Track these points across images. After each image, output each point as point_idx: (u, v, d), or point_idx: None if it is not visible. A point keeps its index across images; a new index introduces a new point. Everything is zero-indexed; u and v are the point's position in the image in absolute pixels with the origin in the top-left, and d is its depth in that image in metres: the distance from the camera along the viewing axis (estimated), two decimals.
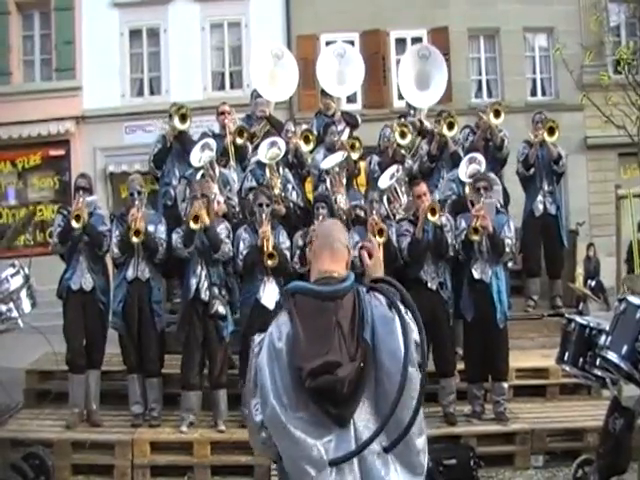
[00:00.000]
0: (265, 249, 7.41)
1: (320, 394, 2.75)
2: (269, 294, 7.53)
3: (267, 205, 7.71)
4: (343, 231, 3.31)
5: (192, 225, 7.42)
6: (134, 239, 7.50)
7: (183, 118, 8.83)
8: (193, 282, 7.52)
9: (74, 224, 7.51)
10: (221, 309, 7.51)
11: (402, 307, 2.90)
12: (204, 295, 7.48)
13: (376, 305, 2.93)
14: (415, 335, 2.91)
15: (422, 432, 2.90)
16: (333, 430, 2.78)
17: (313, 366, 2.73)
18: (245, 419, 7.41)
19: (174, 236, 7.65)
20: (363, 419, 2.82)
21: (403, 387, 2.73)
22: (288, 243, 7.77)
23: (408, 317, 2.89)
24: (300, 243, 7.83)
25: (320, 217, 7.81)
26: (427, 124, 9.74)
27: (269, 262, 7.42)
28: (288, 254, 7.70)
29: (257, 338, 3.01)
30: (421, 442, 2.88)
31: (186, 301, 7.60)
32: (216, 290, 7.53)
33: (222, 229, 7.65)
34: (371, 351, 2.83)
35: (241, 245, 7.65)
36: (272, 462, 7.03)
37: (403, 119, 9.89)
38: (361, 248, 3.33)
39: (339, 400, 2.76)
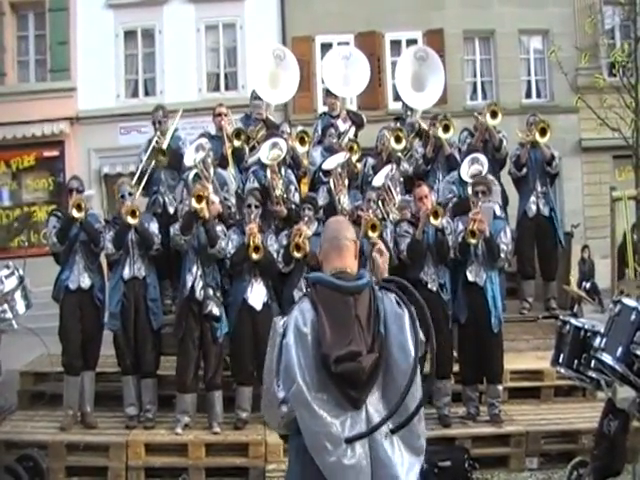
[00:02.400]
0: (251, 243, 7.43)
1: (343, 378, 3.08)
2: (256, 295, 7.58)
3: (256, 206, 7.76)
4: (349, 227, 3.58)
5: (194, 203, 7.42)
6: (75, 213, 7.48)
7: (163, 154, 8.84)
8: (189, 280, 7.51)
9: (75, 213, 7.49)
10: (215, 310, 7.50)
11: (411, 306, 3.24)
12: (199, 294, 7.48)
13: (388, 302, 3.26)
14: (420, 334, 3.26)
15: (422, 419, 3.23)
16: (349, 411, 3.11)
17: (339, 354, 3.07)
18: (238, 419, 7.49)
19: (172, 229, 7.69)
20: (374, 403, 3.15)
21: (413, 378, 3.08)
22: (276, 247, 7.81)
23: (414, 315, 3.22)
24: (284, 242, 7.84)
25: (305, 218, 7.86)
26: (424, 126, 9.74)
27: (254, 255, 7.43)
28: (275, 255, 7.73)
29: (279, 321, 3.28)
30: (422, 427, 3.23)
31: (182, 299, 7.60)
32: (210, 291, 7.53)
33: (220, 228, 7.68)
34: (384, 342, 3.18)
35: (229, 245, 7.68)
36: (267, 463, 7.11)
37: (399, 121, 9.90)
38: (375, 250, 3.59)
39: (358, 385, 3.10)
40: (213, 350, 7.56)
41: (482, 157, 8.62)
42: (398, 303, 3.25)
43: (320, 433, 3.06)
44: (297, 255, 7.59)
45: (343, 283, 3.23)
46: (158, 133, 8.97)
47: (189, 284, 7.51)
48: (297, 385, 3.06)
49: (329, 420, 3.06)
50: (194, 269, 7.54)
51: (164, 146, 8.84)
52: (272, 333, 3.26)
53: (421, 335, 3.24)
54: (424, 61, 10.32)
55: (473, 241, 7.47)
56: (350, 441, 3.05)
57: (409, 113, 10.04)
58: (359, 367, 3.07)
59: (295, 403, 3.09)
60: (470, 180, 8.37)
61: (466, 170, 8.54)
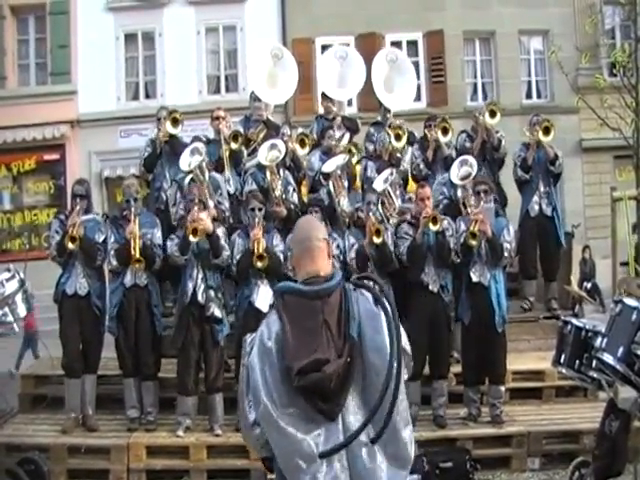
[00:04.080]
0: (255, 251, 7.40)
1: (309, 390, 2.86)
2: (263, 297, 7.50)
3: (259, 209, 7.72)
4: (319, 226, 3.40)
5: (191, 238, 7.37)
6: (70, 245, 7.42)
7: (175, 122, 8.78)
8: (190, 285, 7.49)
9: (70, 245, 7.45)
10: (217, 312, 7.49)
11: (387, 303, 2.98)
12: (201, 298, 7.45)
13: (362, 301, 3.03)
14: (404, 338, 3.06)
15: (408, 423, 2.98)
16: (322, 424, 2.89)
17: (301, 365, 2.84)
18: (239, 419, 7.48)
19: (169, 243, 7.63)
20: (351, 412, 2.92)
21: (389, 380, 2.83)
22: (282, 246, 7.75)
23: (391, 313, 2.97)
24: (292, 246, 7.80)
25: None
26: (397, 123, 9.61)
27: (259, 264, 7.39)
28: (281, 257, 7.68)
29: (249, 338, 3.12)
30: (407, 433, 2.97)
31: (183, 305, 7.56)
32: (212, 293, 7.51)
33: (220, 234, 7.64)
34: (358, 346, 2.94)
35: (235, 250, 7.65)
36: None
37: (376, 126, 9.88)
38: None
39: (327, 395, 2.87)
40: (214, 353, 7.55)
41: (471, 159, 8.60)
42: (375, 301, 3.01)
43: (292, 452, 2.87)
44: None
45: (309, 288, 3.02)
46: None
47: (190, 290, 7.47)
48: (263, 405, 2.88)
49: (299, 437, 2.85)
50: (194, 273, 7.51)
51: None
52: (242, 353, 3.14)
53: (404, 338, 3.05)
54: (394, 63, 10.29)
55: (474, 243, 7.46)
56: (325, 455, 2.84)
57: (387, 115, 9.95)
58: (323, 376, 2.84)
59: (264, 424, 2.93)
60: (460, 182, 8.39)
61: (456, 172, 8.52)
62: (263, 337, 2.98)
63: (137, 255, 7.43)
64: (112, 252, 7.67)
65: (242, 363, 3.14)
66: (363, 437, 2.88)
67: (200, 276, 7.51)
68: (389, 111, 9.89)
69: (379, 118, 10.11)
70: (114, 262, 7.68)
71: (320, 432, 2.88)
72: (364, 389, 2.94)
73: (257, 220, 7.63)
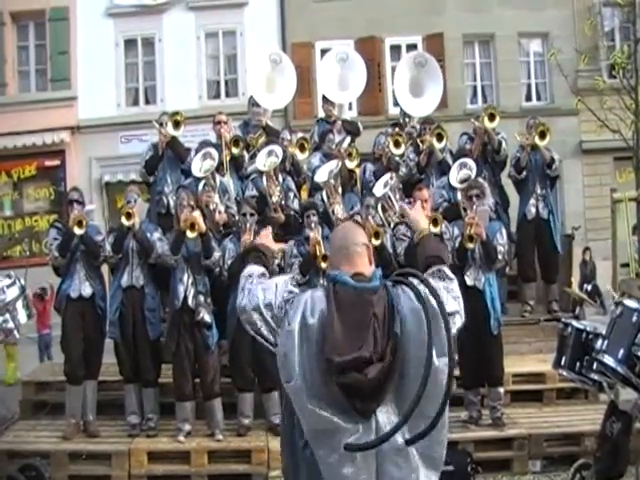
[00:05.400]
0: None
1: (347, 389, 2.76)
2: None
3: (251, 215, 7.70)
4: (358, 231, 3.24)
5: (189, 234, 7.39)
6: (77, 230, 7.43)
7: (177, 124, 8.83)
8: (181, 289, 7.46)
9: (76, 230, 7.45)
10: (207, 317, 7.45)
11: (431, 298, 2.88)
12: (191, 303, 7.43)
13: (406, 299, 2.94)
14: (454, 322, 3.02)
15: (445, 425, 2.91)
16: (355, 419, 2.80)
17: (343, 360, 2.74)
18: (241, 426, 7.46)
19: (159, 244, 7.64)
20: (385, 412, 2.84)
21: (427, 378, 2.71)
22: None
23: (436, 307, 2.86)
24: (295, 252, 7.80)
25: (312, 224, 7.82)
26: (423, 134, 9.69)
27: None
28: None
29: (291, 287, 3.10)
30: (444, 435, 2.92)
31: (174, 310, 7.53)
32: (202, 298, 7.49)
33: (210, 234, 7.63)
34: (401, 344, 2.85)
35: (226, 255, 7.66)
36: (270, 470, 7.09)
37: (397, 127, 9.89)
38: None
39: (364, 396, 2.78)
40: (207, 359, 7.52)
41: (470, 161, 8.62)
42: (417, 297, 2.89)
43: (323, 430, 2.80)
44: (324, 266, 7.36)
45: (361, 284, 2.93)
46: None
47: (181, 294, 7.44)
48: (295, 384, 2.81)
49: (335, 420, 2.78)
50: (185, 277, 7.49)
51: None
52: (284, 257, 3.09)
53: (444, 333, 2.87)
54: (423, 67, 10.28)
55: (471, 245, 7.45)
56: (351, 449, 2.74)
57: (407, 120, 10.01)
58: (364, 380, 2.73)
59: (293, 398, 2.86)
60: (459, 185, 8.40)
61: (455, 175, 8.54)
62: (306, 310, 2.90)
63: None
64: (109, 240, 7.73)
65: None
66: (399, 438, 2.79)
67: (190, 281, 7.49)
68: (410, 117, 9.93)
69: (400, 120, 10.11)
70: (108, 248, 7.69)
71: (353, 427, 2.79)
72: (401, 389, 2.86)
73: (248, 225, 7.62)
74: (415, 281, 2.96)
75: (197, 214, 7.45)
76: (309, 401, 2.79)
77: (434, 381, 2.74)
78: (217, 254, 7.57)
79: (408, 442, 2.78)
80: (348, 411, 2.79)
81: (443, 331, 2.82)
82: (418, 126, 9.84)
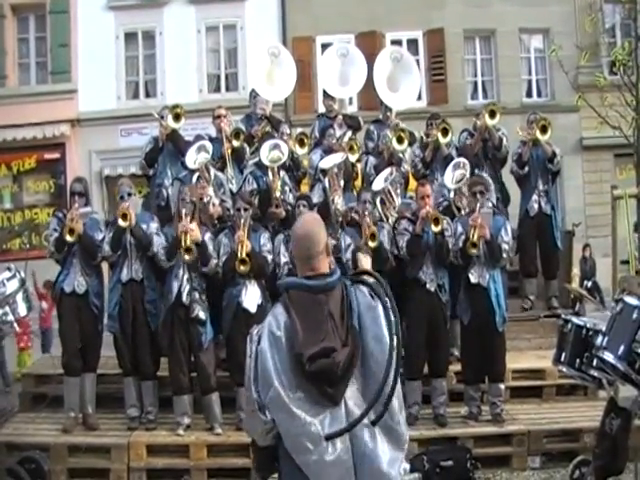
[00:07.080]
0: (239, 255, 7.36)
1: (318, 376, 3.08)
2: (251, 297, 7.46)
3: (245, 209, 7.63)
4: (317, 239, 3.31)
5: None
6: (68, 238, 7.41)
7: (177, 117, 8.80)
8: (175, 285, 7.44)
9: (67, 238, 7.43)
10: (201, 314, 7.43)
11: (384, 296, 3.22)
12: (185, 299, 7.41)
13: (361, 296, 3.25)
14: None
15: (402, 408, 3.24)
16: (327, 408, 3.11)
17: (312, 352, 3.06)
18: (240, 420, 7.46)
19: (155, 238, 7.62)
20: (352, 397, 3.14)
21: (390, 368, 3.07)
22: (269, 246, 7.70)
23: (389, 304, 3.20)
24: (283, 249, 7.78)
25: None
26: (402, 125, 9.62)
27: (242, 268, 7.33)
28: (269, 257, 7.64)
29: (255, 330, 3.29)
30: (403, 416, 3.23)
31: (167, 304, 7.50)
32: (197, 294, 7.47)
33: (207, 240, 7.58)
34: (359, 336, 3.16)
35: (221, 250, 7.62)
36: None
37: (376, 124, 9.88)
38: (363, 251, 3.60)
39: (334, 381, 3.09)
40: (202, 355, 7.51)
41: (464, 161, 8.60)
42: (371, 295, 3.23)
43: (300, 434, 3.07)
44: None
45: (314, 283, 3.22)
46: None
47: (175, 289, 7.42)
48: (274, 388, 3.08)
49: (308, 419, 3.06)
50: (180, 273, 7.46)
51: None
52: (248, 343, 3.29)
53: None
54: (398, 62, 10.27)
55: (474, 252, 7.43)
56: (331, 438, 3.05)
57: (388, 114, 9.94)
58: (333, 363, 3.07)
59: (273, 407, 3.10)
60: (453, 186, 8.42)
61: (450, 177, 8.52)
62: (272, 327, 3.18)
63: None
64: (107, 240, 7.64)
65: (249, 351, 3.28)
66: (364, 420, 3.08)
67: (186, 277, 7.46)
68: (390, 110, 9.88)
69: (380, 116, 10.11)
70: (106, 247, 7.62)
71: (325, 416, 3.09)
72: (364, 377, 3.16)
73: (242, 221, 7.55)
74: (370, 279, 3.31)
75: (193, 226, 7.42)
76: (290, 402, 3.07)
77: (393, 370, 3.09)
78: (214, 261, 7.54)
79: (373, 422, 3.10)
80: (319, 402, 3.10)
81: (392, 317, 3.16)
82: (399, 121, 9.76)
